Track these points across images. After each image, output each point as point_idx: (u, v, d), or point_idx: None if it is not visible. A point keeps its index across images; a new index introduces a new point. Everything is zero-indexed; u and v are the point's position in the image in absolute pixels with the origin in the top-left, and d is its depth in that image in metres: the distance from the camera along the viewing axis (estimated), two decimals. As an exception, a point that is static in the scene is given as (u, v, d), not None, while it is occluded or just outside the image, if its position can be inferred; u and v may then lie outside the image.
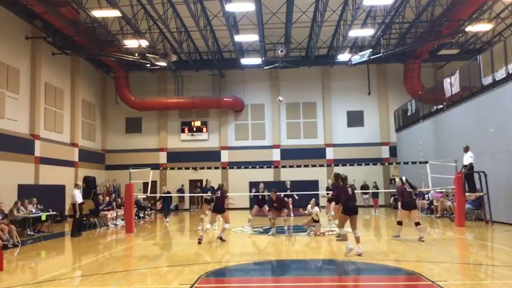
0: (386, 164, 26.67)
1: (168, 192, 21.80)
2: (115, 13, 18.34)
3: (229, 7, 18.36)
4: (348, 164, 20.97)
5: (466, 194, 15.18)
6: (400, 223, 12.16)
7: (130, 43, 21.78)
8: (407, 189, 12.01)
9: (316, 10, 21.24)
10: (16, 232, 13.02)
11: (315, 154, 28.39)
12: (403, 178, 12.36)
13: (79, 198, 14.83)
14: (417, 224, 11.75)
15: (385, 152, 28.85)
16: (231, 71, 29.45)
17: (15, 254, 11.37)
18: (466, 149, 15.25)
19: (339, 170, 26.73)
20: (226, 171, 27.80)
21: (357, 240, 9.40)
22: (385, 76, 29.51)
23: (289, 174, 26.55)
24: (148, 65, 23.94)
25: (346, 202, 9.55)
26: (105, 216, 18.02)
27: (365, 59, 23.04)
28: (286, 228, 14.66)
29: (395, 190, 19.03)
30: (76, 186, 15.33)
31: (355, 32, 21.91)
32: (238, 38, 22.56)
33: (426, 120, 22.41)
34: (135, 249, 11.98)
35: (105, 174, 28.47)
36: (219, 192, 12.56)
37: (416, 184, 20.85)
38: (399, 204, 12.32)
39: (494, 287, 6.76)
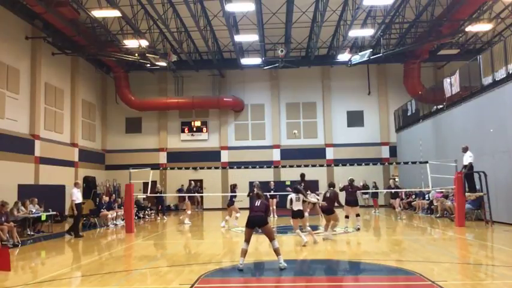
0: (386, 164, 26.68)
1: (160, 192, 21.82)
2: (115, 13, 18.33)
3: (229, 7, 18.35)
4: (348, 164, 20.97)
5: (466, 194, 15.17)
6: (347, 217, 14.67)
7: (130, 43, 21.78)
8: (349, 189, 14.62)
9: (316, 10, 21.25)
10: (16, 232, 13.02)
11: (315, 154, 28.40)
12: (350, 178, 15.18)
13: (77, 198, 14.53)
14: (357, 215, 14.53)
15: (385, 152, 28.86)
16: (231, 71, 29.45)
17: (15, 254, 11.36)
18: (465, 149, 15.24)
19: (339, 170, 27.09)
20: (226, 171, 27.82)
21: (277, 252, 8.53)
22: (385, 76, 29.51)
23: (289, 174, 26.60)
24: (148, 65, 23.95)
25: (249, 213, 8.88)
26: (105, 216, 18.01)
27: (365, 59, 23.05)
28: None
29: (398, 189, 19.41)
30: (75, 185, 15.12)
31: (355, 32, 21.91)
32: (238, 38, 22.56)
33: (426, 120, 22.41)
34: (135, 249, 11.97)
35: (105, 174, 28.47)
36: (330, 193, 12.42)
37: (416, 184, 21.19)
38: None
39: (494, 287, 6.76)
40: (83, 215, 20.58)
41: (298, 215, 11.49)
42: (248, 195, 16.81)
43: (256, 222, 8.59)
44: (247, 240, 8.53)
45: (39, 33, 21.20)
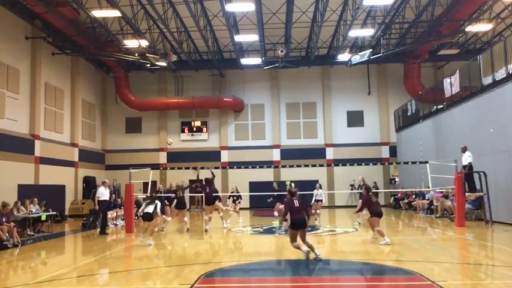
0: (386, 164, 26.67)
1: (162, 191, 21.79)
2: (115, 13, 18.34)
3: (229, 7, 18.35)
4: (348, 164, 20.97)
5: (466, 194, 15.17)
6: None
7: (131, 43, 21.78)
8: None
9: (316, 10, 21.24)
10: (16, 232, 13.01)
11: (315, 154, 28.39)
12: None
13: (102, 195, 15.06)
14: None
15: (385, 152, 28.85)
16: (231, 71, 29.45)
17: (15, 254, 11.36)
18: (464, 149, 15.24)
19: (339, 170, 27.09)
20: (226, 171, 27.81)
21: (311, 247, 8.91)
22: (385, 76, 29.51)
23: (289, 174, 26.60)
24: (148, 65, 23.95)
25: (292, 216, 8.93)
26: (105, 216, 17.98)
27: (365, 59, 23.05)
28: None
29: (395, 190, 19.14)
30: (103, 183, 15.55)
31: (355, 32, 21.91)
32: (238, 38, 22.56)
33: (426, 120, 22.41)
34: (135, 249, 11.97)
35: (105, 174, 28.43)
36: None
37: (416, 184, 21.18)
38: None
39: (494, 287, 6.76)
40: (83, 215, 20.68)
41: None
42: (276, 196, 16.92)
43: (301, 224, 8.86)
44: (296, 240, 8.94)
45: (39, 33, 21.20)
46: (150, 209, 12.49)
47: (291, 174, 26.52)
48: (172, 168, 23.57)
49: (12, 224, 12.99)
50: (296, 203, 8.93)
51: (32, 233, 14.98)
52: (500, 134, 14.87)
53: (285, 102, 29.89)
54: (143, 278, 7.96)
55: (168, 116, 30.01)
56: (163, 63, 23.57)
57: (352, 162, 21.37)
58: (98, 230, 15.43)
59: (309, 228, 11.88)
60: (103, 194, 15.18)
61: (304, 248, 8.90)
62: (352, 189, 26.47)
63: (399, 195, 24.70)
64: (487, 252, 10.31)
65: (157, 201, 12.84)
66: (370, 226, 11.44)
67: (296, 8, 20.51)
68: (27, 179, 19.96)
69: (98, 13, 18.70)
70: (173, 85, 30.03)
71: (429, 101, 22.61)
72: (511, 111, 14.22)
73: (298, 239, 9.00)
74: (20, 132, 20.12)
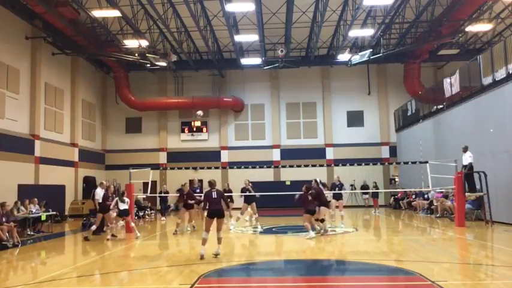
0: (386, 164, 26.67)
1: (167, 192, 21.84)
2: (115, 13, 18.34)
3: (229, 7, 18.35)
4: (348, 164, 20.93)
5: (466, 194, 15.17)
6: (322, 220, 13.19)
7: (131, 43, 21.78)
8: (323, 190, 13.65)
9: (316, 10, 21.24)
10: (16, 232, 13.01)
11: (315, 154, 28.39)
12: (318, 180, 13.87)
13: (100, 197, 14.80)
14: (322, 220, 13.10)
15: (385, 152, 28.85)
16: (231, 71, 29.45)
17: (15, 254, 11.37)
18: (465, 149, 15.25)
19: (339, 170, 27.07)
20: (226, 171, 27.80)
21: (219, 240, 9.67)
22: (385, 76, 29.51)
23: (289, 174, 26.60)
24: (149, 65, 23.94)
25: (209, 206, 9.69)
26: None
27: (365, 59, 23.04)
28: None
29: (394, 190, 19.05)
30: (100, 185, 15.31)
31: (355, 32, 21.91)
32: (238, 38, 22.56)
33: (426, 120, 22.41)
34: (135, 249, 11.97)
35: (105, 174, 28.44)
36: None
37: (416, 184, 21.18)
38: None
39: (494, 287, 6.76)
40: (83, 215, 20.67)
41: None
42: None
43: (217, 214, 9.59)
44: (209, 229, 9.56)
45: (39, 33, 21.19)
46: (124, 206, 13.33)
47: (290, 174, 26.52)
48: (172, 168, 23.55)
49: (12, 224, 13.00)
50: (214, 194, 9.64)
51: (32, 233, 14.97)
52: (500, 134, 14.87)
53: (285, 102, 29.89)
54: (143, 278, 7.96)
55: (168, 116, 30.02)
56: (163, 63, 23.57)
57: (352, 162, 21.33)
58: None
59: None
60: (99, 194, 14.96)
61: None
62: (352, 189, 26.47)
63: (399, 195, 24.70)
64: (487, 252, 10.31)
65: (127, 199, 13.76)
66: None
67: (296, 8, 20.50)
68: (27, 179, 19.96)
69: (98, 13, 18.70)
70: (173, 85, 30.03)
71: (429, 101, 22.62)
72: (511, 111, 14.22)
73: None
74: (20, 132, 20.12)
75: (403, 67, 27.28)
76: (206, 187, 15.36)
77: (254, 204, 15.69)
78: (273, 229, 15.41)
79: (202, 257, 9.21)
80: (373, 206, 23.22)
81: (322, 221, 13.10)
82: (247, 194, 15.67)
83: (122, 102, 29.08)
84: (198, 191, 17.84)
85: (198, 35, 21.94)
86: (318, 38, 22.97)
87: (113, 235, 13.45)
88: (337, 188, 16.01)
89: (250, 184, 15.98)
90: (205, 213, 9.93)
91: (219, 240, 9.63)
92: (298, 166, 20.89)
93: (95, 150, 28.12)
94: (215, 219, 9.55)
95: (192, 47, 25.81)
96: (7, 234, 12.48)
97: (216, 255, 9.39)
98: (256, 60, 25.77)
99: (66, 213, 22.73)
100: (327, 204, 13.47)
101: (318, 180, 13.86)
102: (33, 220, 15.39)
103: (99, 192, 14.67)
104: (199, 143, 29.59)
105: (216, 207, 9.55)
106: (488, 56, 15.98)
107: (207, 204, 9.59)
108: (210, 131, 29.84)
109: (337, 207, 15.95)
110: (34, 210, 15.47)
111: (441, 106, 20.29)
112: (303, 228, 14.15)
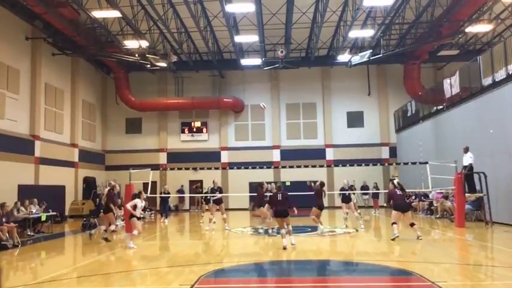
0: (386, 164, 26.68)
1: (168, 192, 21.79)
2: (115, 14, 18.34)
3: (230, 8, 18.36)
4: (348, 165, 20.93)
5: (466, 194, 15.18)
6: (394, 223, 11.92)
7: (131, 44, 21.78)
8: (398, 192, 12.09)
9: (316, 11, 21.25)
10: (16, 232, 13.01)
11: (315, 155, 28.39)
12: (395, 181, 12.64)
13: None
14: (412, 224, 11.96)
15: (385, 153, 28.86)
16: (231, 72, 29.45)
17: (15, 255, 11.37)
18: (466, 150, 15.25)
19: (339, 170, 27.08)
20: (226, 171, 27.81)
21: (289, 233, 10.86)
22: (385, 77, 29.52)
23: (289, 175, 26.59)
24: (149, 66, 23.95)
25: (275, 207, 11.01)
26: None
27: (365, 59, 23.05)
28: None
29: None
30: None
31: (355, 33, 21.91)
32: (238, 38, 22.57)
33: (426, 121, 22.41)
34: (135, 249, 11.96)
35: (105, 174, 28.46)
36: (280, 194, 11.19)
37: (416, 185, 21.15)
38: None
39: (494, 288, 6.77)
40: (83, 215, 20.66)
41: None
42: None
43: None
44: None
45: (40, 34, 21.21)
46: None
47: (291, 175, 26.51)
48: (172, 169, 23.54)
49: (12, 224, 13.00)
50: (279, 196, 10.84)
51: (32, 234, 14.97)
52: (500, 134, 14.87)
53: (285, 102, 29.90)
54: (143, 278, 7.97)
55: (168, 117, 30.02)
56: (163, 64, 23.59)
57: (352, 163, 21.35)
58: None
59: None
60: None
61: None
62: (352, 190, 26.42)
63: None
64: (487, 253, 10.31)
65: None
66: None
67: (296, 9, 20.52)
68: (28, 180, 19.96)
69: (98, 14, 18.70)
70: (173, 86, 30.04)
71: (429, 102, 22.63)
72: (511, 111, 14.22)
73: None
74: (20, 132, 20.13)
75: (403, 68, 27.27)
76: (205, 187, 15.36)
77: (222, 205, 16.18)
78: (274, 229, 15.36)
79: (285, 248, 10.36)
80: (373, 206, 23.22)
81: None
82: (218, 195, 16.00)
83: (122, 103, 29.09)
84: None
85: (198, 35, 21.96)
86: (318, 38, 22.98)
87: (106, 239, 12.93)
88: (347, 193, 16.11)
89: (218, 185, 16.63)
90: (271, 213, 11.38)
91: (290, 232, 10.80)
92: (298, 167, 20.93)
93: (95, 151, 28.12)
94: (280, 218, 10.81)
95: (192, 47, 25.81)
96: (7, 234, 12.48)
97: (293, 245, 10.69)
98: (256, 61, 25.78)
99: (66, 213, 22.72)
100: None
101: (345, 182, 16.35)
102: (33, 220, 15.39)
103: (139, 205, 12.67)
104: (199, 143, 29.59)
105: (281, 207, 10.79)
106: (488, 57, 15.99)
107: (273, 205, 11.03)
108: (210, 132, 29.85)
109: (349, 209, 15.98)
110: (34, 211, 15.46)
111: (441, 107, 20.30)
112: (303, 228, 14.19)
